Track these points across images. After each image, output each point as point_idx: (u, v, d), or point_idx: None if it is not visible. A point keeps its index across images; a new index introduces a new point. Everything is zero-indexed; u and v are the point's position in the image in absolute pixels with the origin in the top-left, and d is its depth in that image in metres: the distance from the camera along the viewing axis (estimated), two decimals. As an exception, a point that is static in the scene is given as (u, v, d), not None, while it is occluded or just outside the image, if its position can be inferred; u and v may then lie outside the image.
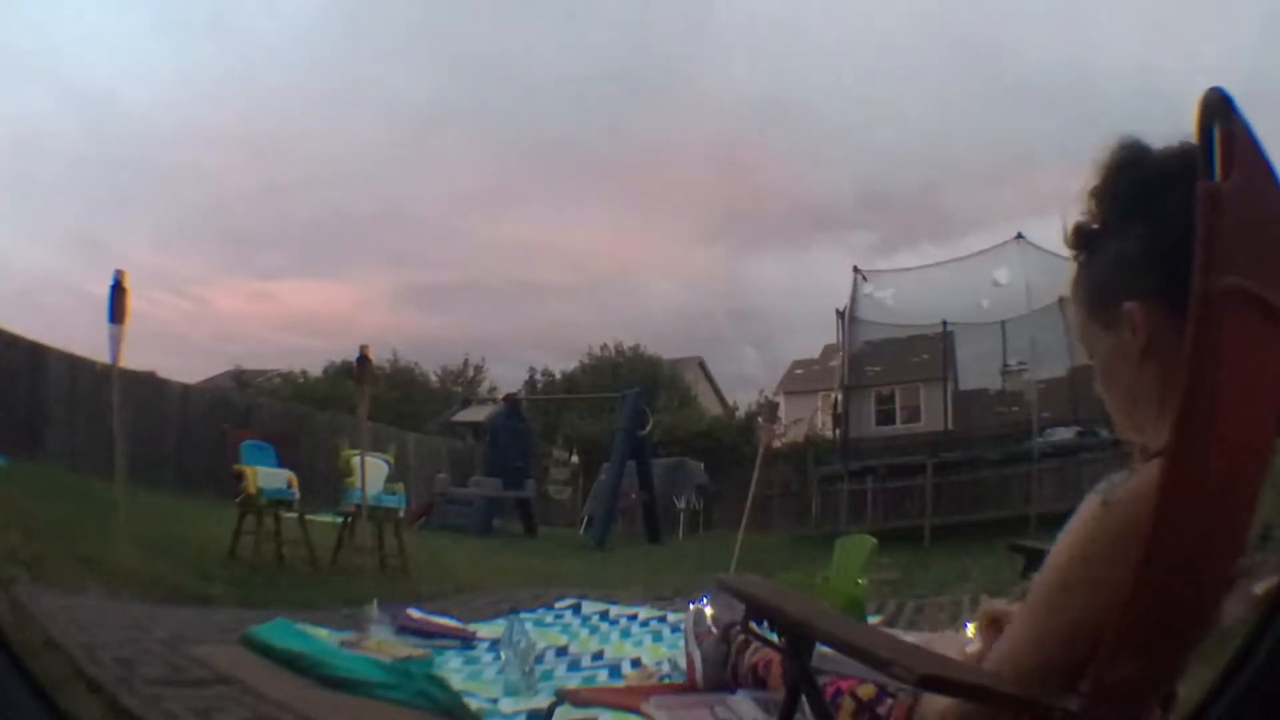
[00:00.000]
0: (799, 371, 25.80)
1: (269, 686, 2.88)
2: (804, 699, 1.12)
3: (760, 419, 17.32)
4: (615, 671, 3.46)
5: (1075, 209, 1.10)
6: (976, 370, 14.72)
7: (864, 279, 14.45)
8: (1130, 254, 1.02)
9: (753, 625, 1.38)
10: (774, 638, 1.20)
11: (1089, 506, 0.94)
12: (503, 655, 3.21)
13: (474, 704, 2.84)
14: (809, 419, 19.81)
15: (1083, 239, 1.10)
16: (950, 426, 14.31)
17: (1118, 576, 0.83)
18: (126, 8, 32.51)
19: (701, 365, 29.76)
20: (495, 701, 2.88)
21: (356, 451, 6.46)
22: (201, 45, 31.55)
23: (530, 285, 41.20)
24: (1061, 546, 0.95)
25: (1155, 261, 0.98)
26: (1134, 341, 1.00)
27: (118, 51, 32.42)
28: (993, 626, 1.35)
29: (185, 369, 28.95)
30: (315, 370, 24.48)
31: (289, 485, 6.20)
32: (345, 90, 35.88)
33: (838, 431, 15.11)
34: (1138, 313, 0.99)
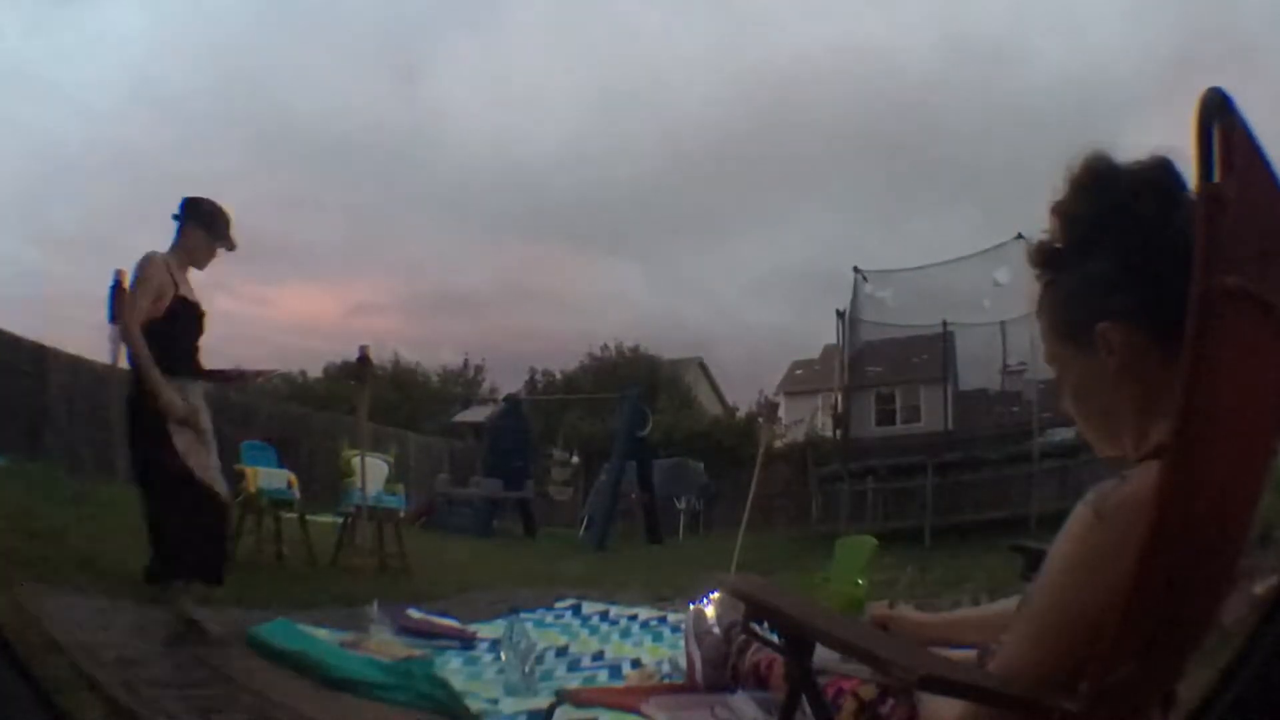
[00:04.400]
0: (799, 372, 25.81)
1: (269, 686, 2.88)
2: (805, 699, 1.12)
3: (760, 419, 17.32)
4: (615, 671, 3.46)
5: (1039, 226, 1.07)
6: (976, 370, 14.69)
7: (864, 279, 14.43)
8: (1102, 273, 0.99)
9: (753, 625, 1.38)
10: (774, 638, 1.20)
11: (1080, 519, 0.92)
12: (503, 655, 3.22)
13: (474, 704, 2.84)
14: (809, 419, 19.81)
15: (1046, 258, 1.07)
16: (950, 426, 14.29)
17: (1112, 589, 0.83)
18: (132, 13, 32.62)
19: (701, 365, 29.75)
20: (495, 701, 2.88)
21: (356, 451, 6.46)
22: (205, 50, 31.67)
23: (531, 288, 41.25)
24: (1054, 562, 0.94)
25: (1128, 280, 0.97)
26: (1110, 361, 0.98)
27: (123, 57, 32.57)
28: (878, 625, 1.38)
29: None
30: (315, 371, 24.50)
31: (289, 485, 6.20)
32: (346, 94, 36.03)
33: (838, 432, 15.10)
34: (1113, 333, 0.97)
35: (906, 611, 1.49)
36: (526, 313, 40.43)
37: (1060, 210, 1.04)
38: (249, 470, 5.93)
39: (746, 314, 40.49)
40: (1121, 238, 0.98)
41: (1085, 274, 1.01)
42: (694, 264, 42.03)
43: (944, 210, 34.65)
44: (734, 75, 38.08)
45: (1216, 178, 0.79)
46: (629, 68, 39.81)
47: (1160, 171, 0.98)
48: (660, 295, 41.85)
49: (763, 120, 37.08)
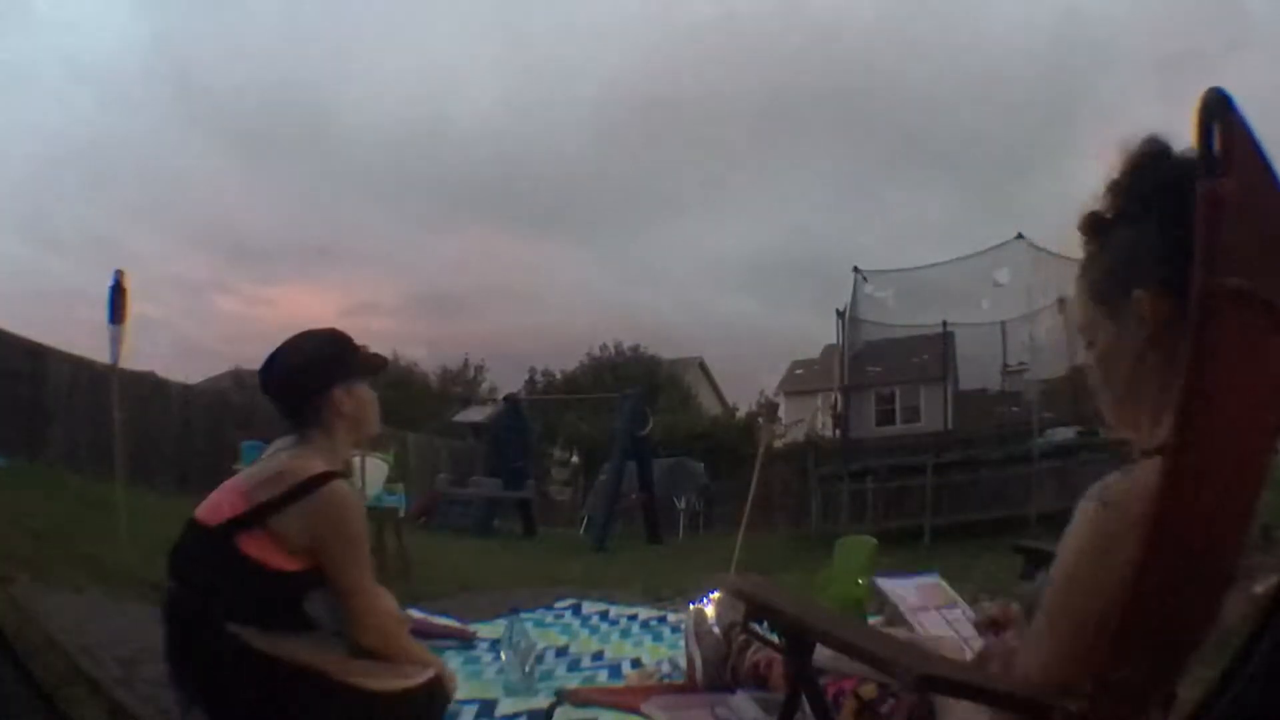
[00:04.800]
0: (799, 372, 25.80)
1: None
2: (805, 699, 1.12)
3: (760, 419, 17.32)
4: (615, 671, 3.45)
5: (1091, 200, 1.10)
6: (976, 370, 14.71)
7: (864, 279, 14.45)
8: (1144, 244, 1.01)
9: (753, 625, 1.38)
10: (774, 638, 1.20)
11: (1086, 512, 0.93)
12: (503, 655, 3.21)
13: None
14: (809, 419, 19.80)
15: (1095, 227, 1.10)
16: (950, 426, 14.30)
17: (1118, 574, 0.83)
18: (136, 17, 32.70)
19: (701, 365, 29.76)
20: (495, 702, 2.88)
21: (356, 451, 6.44)
22: (207, 54, 31.75)
23: (529, 290, 41.30)
24: (1063, 556, 0.94)
25: (1169, 253, 0.98)
26: (1139, 330, 1.00)
27: (127, 60, 32.61)
28: (992, 627, 1.36)
29: (185, 370, 29.02)
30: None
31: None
32: (346, 96, 36.08)
33: (838, 432, 15.10)
34: (1146, 301, 0.99)
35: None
36: (526, 313, 40.47)
37: (1113, 185, 1.07)
38: (249, 470, 5.92)
39: (745, 313, 40.53)
40: (1168, 213, 0.99)
41: (1128, 243, 1.04)
42: (688, 260, 42.09)
43: (915, 181, 34.54)
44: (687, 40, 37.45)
45: (1217, 178, 0.79)
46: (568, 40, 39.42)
47: None
48: (658, 294, 41.93)
49: (712, 89, 36.66)
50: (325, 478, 1.73)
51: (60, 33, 31.94)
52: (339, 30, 37.13)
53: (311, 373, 1.88)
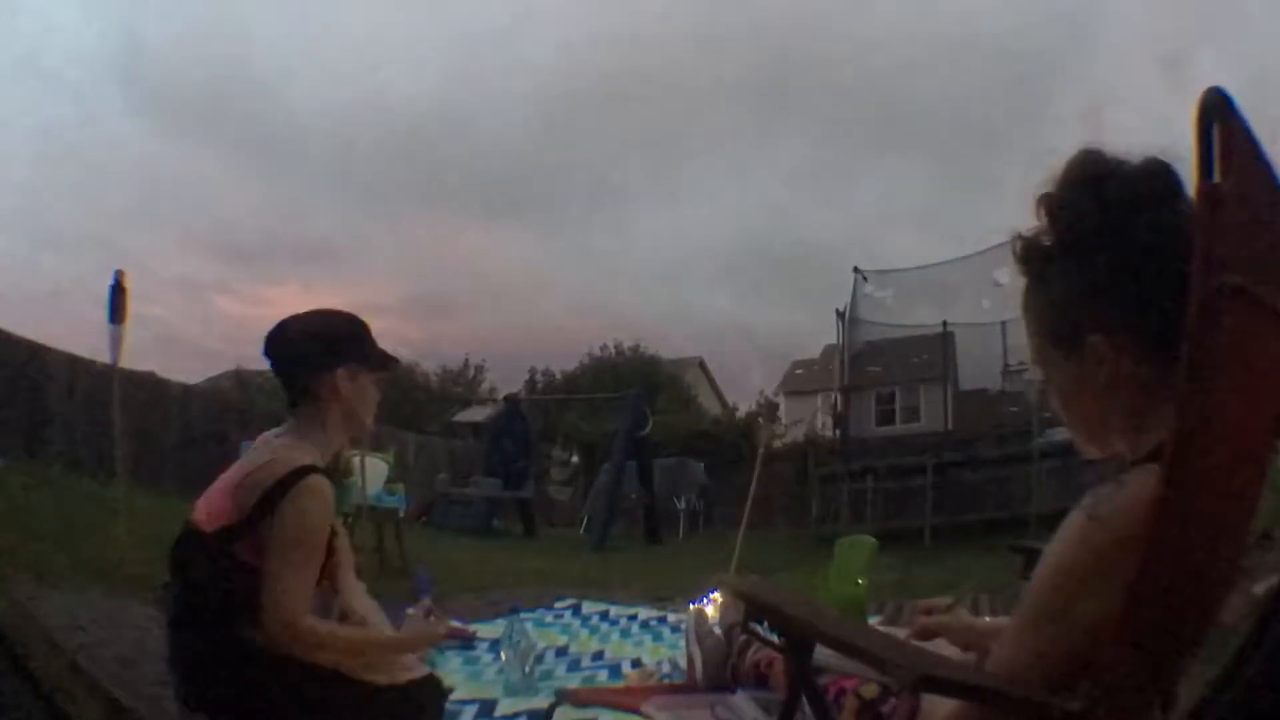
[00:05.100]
0: (799, 372, 25.79)
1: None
2: (805, 699, 1.12)
3: (760, 419, 17.32)
4: (615, 671, 3.46)
5: (1027, 218, 1.03)
6: (976, 370, 14.72)
7: (864, 279, 14.45)
8: (1094, 283, 0.96)
9: (753, 625, 1.38)
10: (774, 638, 1.20)
11: (1074, 524, 0.91)
12: (503, 655, 3.21)
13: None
14: (809, 419, 19.79)
15: (1034, 256, 1.03)
16: (950, 426, 14.31)
17: (1107, 594, 0.82)
18: (136, 20, 32.79)
19: (701, 365, 29.75)
20: (495, 702, 2.88)
21: (356, 451, 6.45)
22: (198, 54, 31.78)
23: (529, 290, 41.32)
24: (1047, 566, 0.92)
25: (1121, 292, 0.95)
26: (1099, 372, 0.96)
27: (130, 61, 32.66)
28: (924, 635, 1.35)
29: (185, 370, 29.04)
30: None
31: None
32: (347, 99, 36.10)
33: (838, 432, 15.11)
34: (1103, 346, 0.95)
35: (964, 617, 1.44)
36: (526, 313, 40.50)
37: (1051, 207, 1.01)
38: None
39: (742, 311, 40.55)
40: (1115, 245, 0.95)
41: (1076, 280, 0.98)
42: (684, 255, 42.08)
43: (908, 171, 34.31)
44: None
45: (1216, 177, 0.79)
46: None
47: (1158, 177, 0.96)
48: (655, 292, 41.93)
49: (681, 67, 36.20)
50: (303, 472, 1.66)
51: (51, 31, 32.04)
52: (333, 30, 37.23)
53: (322, 344, 1.80)
